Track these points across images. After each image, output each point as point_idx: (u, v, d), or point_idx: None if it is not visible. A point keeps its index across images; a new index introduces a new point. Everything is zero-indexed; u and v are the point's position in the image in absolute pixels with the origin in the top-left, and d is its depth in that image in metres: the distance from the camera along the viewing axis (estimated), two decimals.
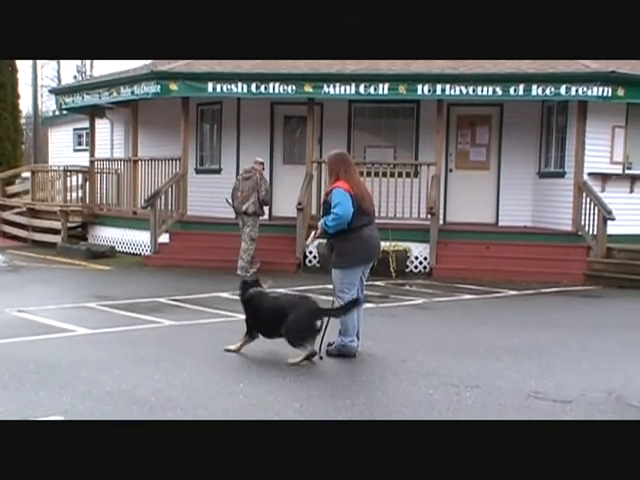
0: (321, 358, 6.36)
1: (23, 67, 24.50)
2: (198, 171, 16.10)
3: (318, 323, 6.31)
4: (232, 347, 6.55)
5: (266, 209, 12.68)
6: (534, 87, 12.54)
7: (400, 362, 6.40)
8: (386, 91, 12.94)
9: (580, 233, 12.88)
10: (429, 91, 12.85)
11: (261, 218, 12.40)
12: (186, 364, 6.13)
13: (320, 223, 6.58)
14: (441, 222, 13.90)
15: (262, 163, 12.70)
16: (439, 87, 12.77)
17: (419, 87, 12.83)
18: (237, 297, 6.88)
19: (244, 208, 12.09)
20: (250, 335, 6.57)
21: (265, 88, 13.19)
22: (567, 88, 12.45)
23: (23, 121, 28.25)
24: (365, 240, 6.51)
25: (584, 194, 12.77)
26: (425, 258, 12.98)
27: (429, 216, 12.84)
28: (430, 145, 13.90)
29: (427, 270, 12.82)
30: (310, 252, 13.26)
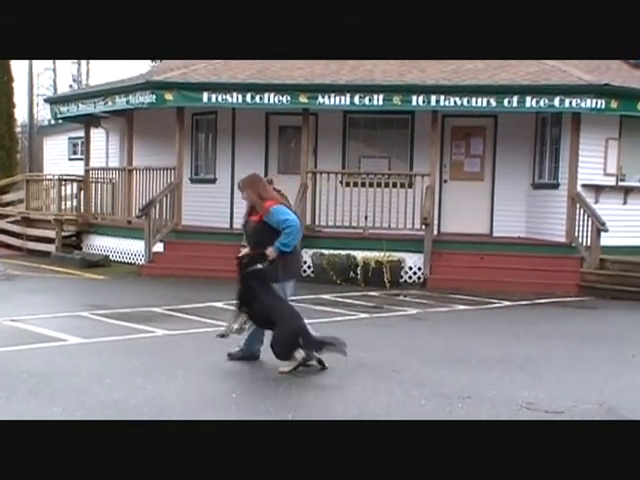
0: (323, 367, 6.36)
1: (19, 76, 24.61)
2: (193, 181, 16.11)
3: (300, 340, 6.21)
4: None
5: None
6: (528, 99, 12.60)
7: (393, 372, 6.40)
8: (381, 102, 13.00)
9: (573, 244, 12.91)
10: (424, 102, 12.90)
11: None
12: (179, 374, 6.12)
13: (272, 249, 6.32)
14: (435, 233, 13.92)
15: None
16: (433, 98, 12.82)
17: (414, 98, 12.88)
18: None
19: None
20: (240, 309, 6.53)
21: (260, 98, 13.23)
22: (561, 100, 12.52)
23: (18, 130, 28.24)
24: (299, 254, 6.67)
25: (578, 205, 12.80)
26: (419, 268, 12.99)
27: (423, 227, 12.86)
28: (425, 156, 13.93)
29: (421, 280, 12.83)
30: (305, 262, 13.25)
